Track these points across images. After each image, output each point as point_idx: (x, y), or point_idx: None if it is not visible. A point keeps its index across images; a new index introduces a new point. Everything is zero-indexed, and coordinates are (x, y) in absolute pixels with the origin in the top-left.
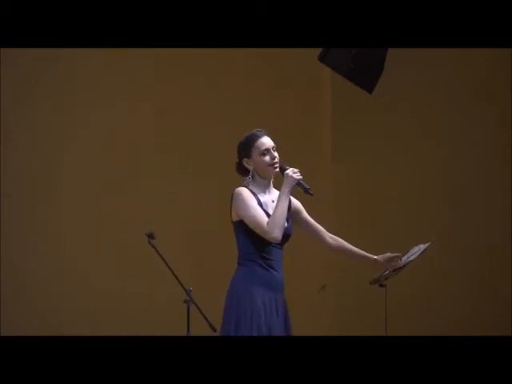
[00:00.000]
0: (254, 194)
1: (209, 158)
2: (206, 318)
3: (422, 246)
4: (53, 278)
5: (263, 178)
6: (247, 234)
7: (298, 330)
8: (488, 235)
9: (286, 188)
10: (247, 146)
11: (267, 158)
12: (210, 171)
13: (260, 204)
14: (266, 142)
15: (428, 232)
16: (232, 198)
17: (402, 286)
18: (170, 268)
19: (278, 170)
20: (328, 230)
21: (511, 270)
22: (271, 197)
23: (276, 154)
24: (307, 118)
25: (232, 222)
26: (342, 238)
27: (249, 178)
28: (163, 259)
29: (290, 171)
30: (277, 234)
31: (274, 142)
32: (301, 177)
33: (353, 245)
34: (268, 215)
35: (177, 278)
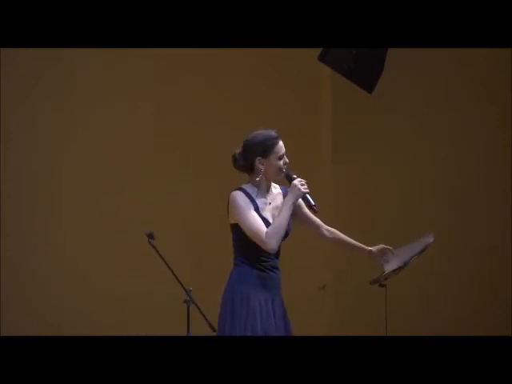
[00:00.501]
0: (250, 198)
1: (209, 158)
2: (205, 318)
3: (424, 241)
4: (53, 278)
5: (267, 180)
6: (244, 236)
7: (298, 329)
8: (488, 235)
9: (290, 200)
10: (267, 148)
11: (281, 162)
12: (210, 171)
13: (257, 208)
14: (283, 146)
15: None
16: (228, 201)
17: (402, 286)
18: (169, 268)
19: (283, 175)
20: None
21: (511, 270)
22: (268, 198)
23: (287, 159)
24: (307, 117)
25: (229, 223)
26: None
27: (260, 178)
28: (163, 259)
29: (297, 182)
30: (274, 245)
31: None
32: (308, 190)
33: None
34: (264, 220)
35: (177, 278)
